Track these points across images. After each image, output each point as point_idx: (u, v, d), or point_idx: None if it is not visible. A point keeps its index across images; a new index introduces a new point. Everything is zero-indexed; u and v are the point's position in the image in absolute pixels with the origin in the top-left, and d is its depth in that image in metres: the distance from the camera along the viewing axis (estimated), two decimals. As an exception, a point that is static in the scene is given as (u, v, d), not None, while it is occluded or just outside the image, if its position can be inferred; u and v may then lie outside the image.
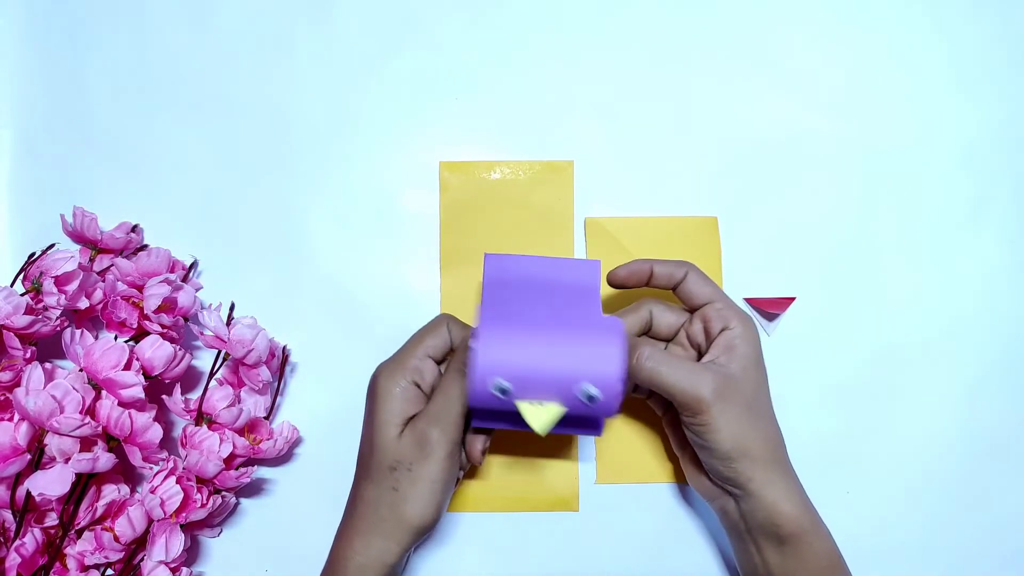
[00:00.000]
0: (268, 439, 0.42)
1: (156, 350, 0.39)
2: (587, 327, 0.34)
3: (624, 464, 0.45)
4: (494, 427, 0.38)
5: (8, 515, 0.38)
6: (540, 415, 0.32)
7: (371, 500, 0.37)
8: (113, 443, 0.39)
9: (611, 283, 0.41)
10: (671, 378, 0.36)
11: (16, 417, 0.37)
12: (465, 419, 0.37)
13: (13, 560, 0.37)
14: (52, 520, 0.39)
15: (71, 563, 0.39)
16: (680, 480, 0.45)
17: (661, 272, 0.40)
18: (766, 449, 0.37)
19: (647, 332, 0.41)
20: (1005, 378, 0.47)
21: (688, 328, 0.40)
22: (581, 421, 0.37)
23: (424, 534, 0.37)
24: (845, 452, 0.46)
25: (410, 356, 0.38)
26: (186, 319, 0.43)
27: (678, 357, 0.37)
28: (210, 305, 0.44)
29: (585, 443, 0.45)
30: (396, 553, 0.37)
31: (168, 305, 0.41)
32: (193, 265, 0.46)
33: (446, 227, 0.47)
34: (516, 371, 0.32)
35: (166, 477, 0.39)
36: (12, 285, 0.40)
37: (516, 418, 0.35)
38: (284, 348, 0.45)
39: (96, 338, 0.41)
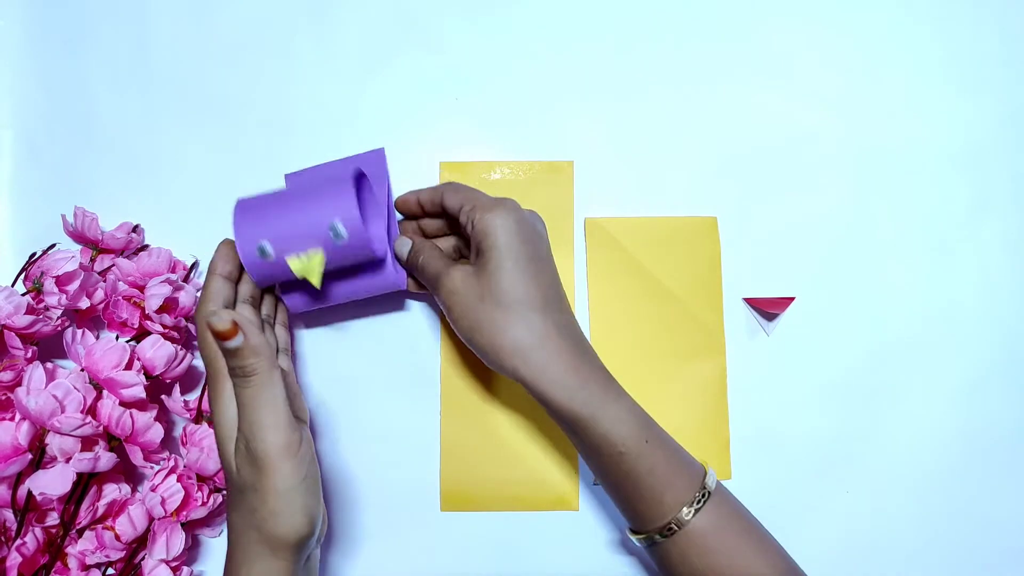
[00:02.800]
0: (268, 439, 0.42)
1: (157, 350, 0.39)
2: (328, 182, 0.38)
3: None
4: (303, 307, 0.42)
5: (9, 514, 0.38)
6: (306, 264, 0.37)
7: (240, 528, 0.35)
8: (114, 443, 0.39)
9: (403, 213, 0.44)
10: (427, 267, 0.40)
11: (17, 417, 0.37)
12: (283, 411, 0.34)
13: (14, 559, 0.37)
14: (53, 519, 0.39)
15: (72, 562, 0.39)
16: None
17: (426, 199, 0.42)
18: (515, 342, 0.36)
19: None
20: (1004, 378, 0.47)
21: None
22: (369, 274, 0.42)
23: (307, 542, 0.35)
24: (844, 451, 0.46)
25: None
26: (187, 319, 0.43)
27: (440, 252, 0.40)
28: (211, 305, 0.44)
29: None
30: (287, 569, 0.34)
31: (169, 305, 0.41)
32: (194, 265, 0.46)
33: (446, 227, 0.47)
34: (271, 232, 0.37)
35: (167, 476, 0.39)
36: (13, 285, 0.41)
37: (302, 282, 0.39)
38: (284, 348, 0.45)
39: (97, 338, 0.41)
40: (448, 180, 0.47)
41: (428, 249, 0.41)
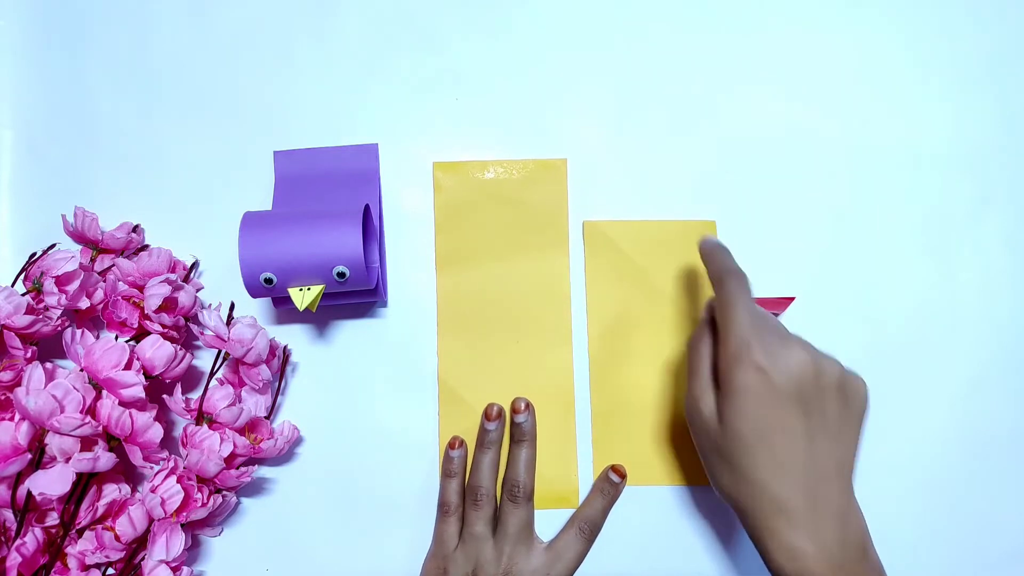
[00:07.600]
0: (269, 439, 0.42)
1: (157, 350, 0.39)
2: (336, 216, 0.39)
3: (623, 466, 0.45)
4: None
5: (9, 514, 0.38)
6: (306, 294, 0.39)
7: None
8: (114, 443, 0.39)
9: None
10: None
11: (17, 417, 0.37)
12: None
13: (14, 559, 0.37)
14: (53, 519, 0.39)
15: (72, 562, 0.39)
16: (680, 482, 0.45)
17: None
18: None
19: None
20: (1004, 378, 0.47)
21: None
22: (356, 292, 0.43)
23: None
24: (845, 452, 0.46)
25: None
26: (187, 319, 0.43)
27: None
28: (210, 305, 0.44)
29: (584, 444, 0.46)
30: None
31: (169, 305, 0.41)
32: (194, 265, 0.46)
33: (440, 227, 0.47)
34: (276, 266, 0.38)
35: (167, 476, 0.39)
36: (13, 285, 0.41)
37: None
38: (285, 348, 0.45)
39: (97, 338, 0.41)
40: (442, 180, 0.47)
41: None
